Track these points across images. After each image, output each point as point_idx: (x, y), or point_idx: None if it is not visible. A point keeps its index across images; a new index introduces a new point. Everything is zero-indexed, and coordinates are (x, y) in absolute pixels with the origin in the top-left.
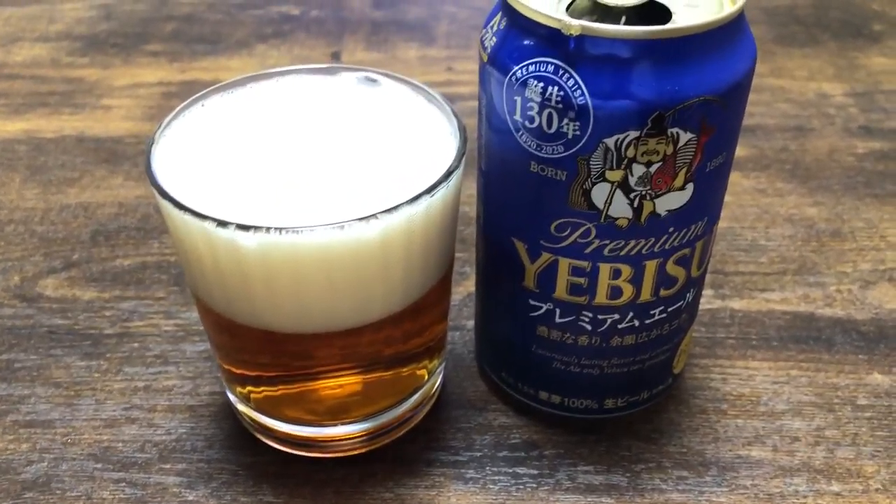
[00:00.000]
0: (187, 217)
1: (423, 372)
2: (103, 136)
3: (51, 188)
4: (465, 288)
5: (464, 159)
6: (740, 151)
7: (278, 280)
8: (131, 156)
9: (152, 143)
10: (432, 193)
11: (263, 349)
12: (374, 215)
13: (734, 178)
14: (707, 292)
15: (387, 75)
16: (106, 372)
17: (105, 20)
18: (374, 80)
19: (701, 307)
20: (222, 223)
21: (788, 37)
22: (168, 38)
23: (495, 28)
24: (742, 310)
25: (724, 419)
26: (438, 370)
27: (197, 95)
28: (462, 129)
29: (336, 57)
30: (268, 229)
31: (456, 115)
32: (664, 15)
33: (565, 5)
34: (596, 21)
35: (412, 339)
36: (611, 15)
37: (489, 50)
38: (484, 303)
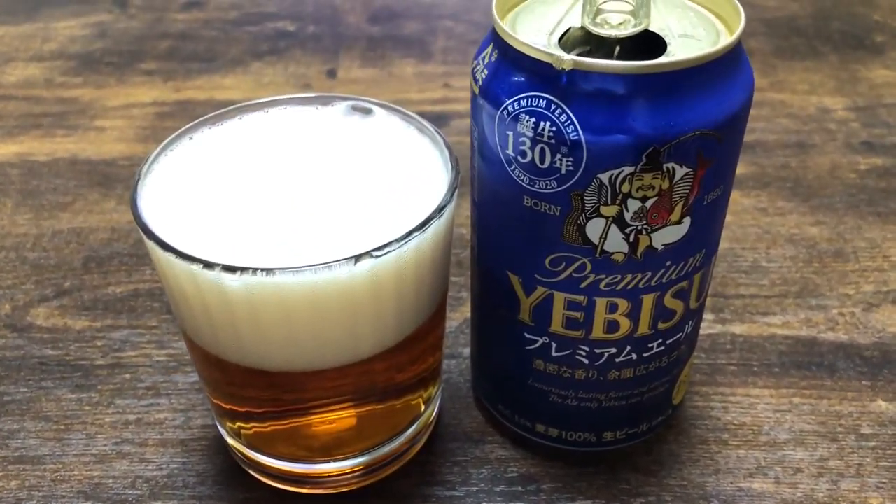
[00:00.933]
0: (173, 258)
1: (419, 402)
2: (96, 158)
3: (43, 213)
4: (461, 314)
5: (455, 193)
6: (740, 169)
7: (266, 320)
8: (124, 178)
9: (138, 180)
10: (423, 230)
11: (253, 385)
12: (363, 255)
13: (734, 196)
14: (707, 316)
15: (379, 104)
16: (97, 405)
17: (100, 38)
18: (366, 110)
19: (701, 332)
20: (209, 265)
21: (789, 49)
22: (163, 57)
23: (487, 60)
24: (743, 335)
25: (725, 450)
26: (435, 399)
27: (185, 128)
28: (455, 163)
29: (331, 74)
30: (254, 271)
31: (448, 148)
32: (659, 44)
33: (558, 37)
34: (590, 51)
35: (406, 370)
36: (605, 45)
37: (480, 82)
38: (479, 334)
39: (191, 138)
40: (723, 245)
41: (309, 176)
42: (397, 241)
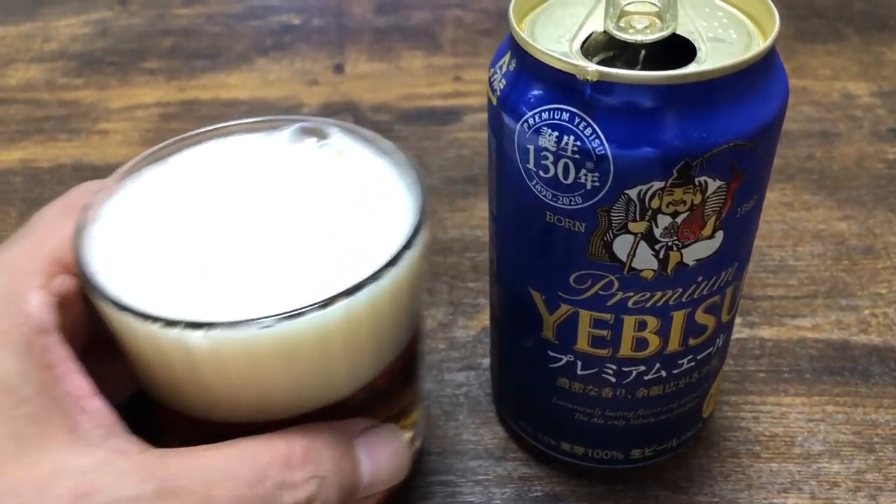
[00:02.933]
0: (129, 318)
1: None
2: (100, 163)
3: None
4: (479, 322)
5: (425, 216)
6: None
7: (236, 375)
8: None
9: (81, 229)
10: (396, 263)
11: (222, 436)
12: (337, 296)
13: None
14: (736, 321)
15: (334, 124)
16: None
17: (101, 37)
18: (320, 133)
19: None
20: (170, 322)
21: (810, 32)
22: (166, 55)
23: (504, 69)
24: (772, 339)
25: (757, 463)
26: (420, 424)
27: (127, 166)
28: (420, 180)
29: (339, 69)
30: (221, 326)
31: (414, 168)
32: (688, 48)
33: (580, 42)
34: (613, 57)
35: (385, 400)
36: (630, 50)
37: (498, 93)
38: (500, 349)
39: (135, 179)
40: None
41: (265, 210)
42: (371, 278)
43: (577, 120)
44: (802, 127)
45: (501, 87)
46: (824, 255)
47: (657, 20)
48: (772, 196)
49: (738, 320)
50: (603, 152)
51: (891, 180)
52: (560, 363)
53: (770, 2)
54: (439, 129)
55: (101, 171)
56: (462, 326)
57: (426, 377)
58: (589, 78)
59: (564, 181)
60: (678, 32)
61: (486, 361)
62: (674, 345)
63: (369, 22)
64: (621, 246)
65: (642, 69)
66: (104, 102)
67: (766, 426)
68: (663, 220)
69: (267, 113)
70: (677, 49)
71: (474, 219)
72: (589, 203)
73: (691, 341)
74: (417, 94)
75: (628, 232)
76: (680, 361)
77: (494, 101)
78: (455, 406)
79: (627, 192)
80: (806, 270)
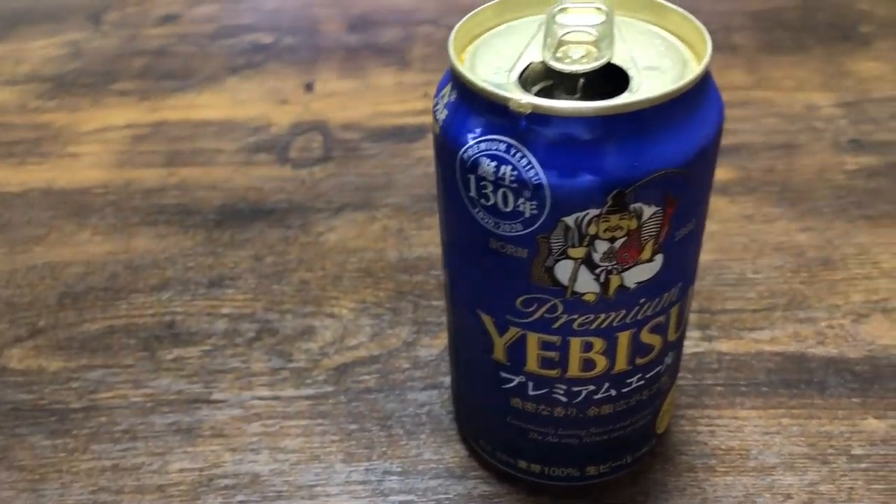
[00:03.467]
0: None
1: None
2: (70, 187)
3: (17, 247)
4: (442, 340)
5: None
6: (726, 174)
7: None
8: (99, 208)
9: None
10: None
11: None
12: None
13: (721, 204)
14: (693, 334)
15: None
16: (73, 451)
17: (74, 58)
18: None
19: (687, 351)
20: None
21: (774, 44)
22: (138, 76)
23: (446, 99)
24: (730, 352)
25: (712, 477)
26: None
27: None
28: None
29: (309, 88)
30: None
31: None
32: (623, 77)
33: (518, 73)
34: (553, 86)
35: None
36: (569, 78)
37: (440, 123)
38: (457, 369)
39: None
40: (708, 257)
41: None
42: None
43: (513, 150)
44: (765, 139)
45: (443, 117)
46: (783, 268)
47: (594, 49)
48: (733, 209)
49: (696, 334)
50: (539, 182)
51: (850, 191)
52: (512, 384)
53: (702, 27)
54: (408, 146)
55: (71, 195)
56: (426, 345)
57: (389, 397)
58: (522, 110)
59: (504, 209)
60: (614, 61)
61: (448, 380)
62: (621, 364)
63: (341, 40)
64: (562, 271)
65: (581, 97)
66: (75, 125)
67: (723, 440)
68: (601, 246)
69: (236, 134)
70: (616, 75)
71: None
72: (529, 230)
73: (638, 360)
74: (387, 112)
75: (568, 257)
76: (628, 380)
77: (437, 131)
78: (417, 425)
79: (565, 219)
80: (765, 283)
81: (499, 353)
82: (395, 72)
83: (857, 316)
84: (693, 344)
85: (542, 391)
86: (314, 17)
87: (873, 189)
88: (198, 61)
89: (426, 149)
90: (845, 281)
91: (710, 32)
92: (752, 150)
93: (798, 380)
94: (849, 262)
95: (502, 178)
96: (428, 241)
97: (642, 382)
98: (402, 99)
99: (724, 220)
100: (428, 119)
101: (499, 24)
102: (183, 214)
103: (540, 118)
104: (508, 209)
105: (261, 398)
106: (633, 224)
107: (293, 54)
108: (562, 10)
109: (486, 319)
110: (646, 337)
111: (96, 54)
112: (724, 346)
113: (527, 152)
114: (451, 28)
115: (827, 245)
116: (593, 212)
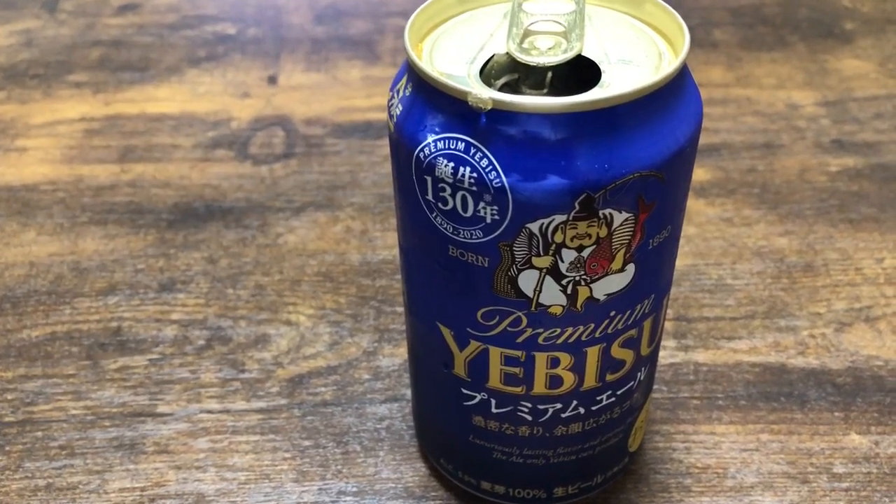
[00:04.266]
0: None
1: None
2: (17, 183)
3: None
4: (404, 350)
5: None
6: (705, 175)
7: None
8: (46, 206)
9: None
10: None
11: None
12: None
13: (698, 206)
14: (669, 343)
15: None
16: (3, 469)
17: (27, 48)
18: None
19: (663, 362)
20: None
21: (756, 39)
22: (93, 67)
23: (401, 93)
24: (707, 363)
25: (687, 497)
26: None
27: None
28: None
29: (272, 81)
30: None
31: None
32: (594, 71)
33: (480, 66)
34: (519, 79)
35: None
36: (536, 72)
37: (395, 119)
38: (416, 384)
39: None
40: (686, 261)
41: None
42: None
43: (472, 150)
44: (746, 138)
45: (398, 112)
46: (763, 273)
47: (563, 40)
48: (712, 211)
49: (672, 343)
50: (500, 185)
51: (832, 194)
52: (474, 401)
53: (679, 18)
54: (374, 143)
55: (17, 192)
56: (388, 354)
57: (346, 410)
58: (482, 106)
59: (464, 214)
60: (584, 54)
61: (409, 393)
62: (590, 381)
63: (307, 32)
64: (526, 281)
65: (549, 91)
66: (25, 118)
67: (699, 457)
68: (568, 255)
69: (194, 128)
70: (587, 69)
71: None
72: (490, 237)
73: (609, 377)
74: (353, 107)
75: (533, 267)
76: (598, 398)
77: (392, 128)
78: (376, 441)
79: (529, 225)
80: (744, 290)
81: (459, 369)
82: (363, 65)
83: (840, 325)
84: (669, 354)
85: (506, 409)
86: (280, 8)
87: (855, 192)
88: (157, 52)
89: None
90: (827, 288)
91: (690, 28)
92: (732, 149)
93: (778, 392)
94: (831, 268)
95: (461, 181)
96: (393, 243)
97: (613, 400)
98: (369, 93)
99: (701, 222)
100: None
101: (462, 12)
102: (134, 214)
103: (502, 115)
104: (468, 214)
105: (209, 411)
106: (604, 231)
107: (257, 46)
108: None
109: (446, 332)
110: (617, 352)
111: (50, 44)
112: (701, 356)
113: (487, 152)
114: None
115: (808, 250)
116: (560, 218)
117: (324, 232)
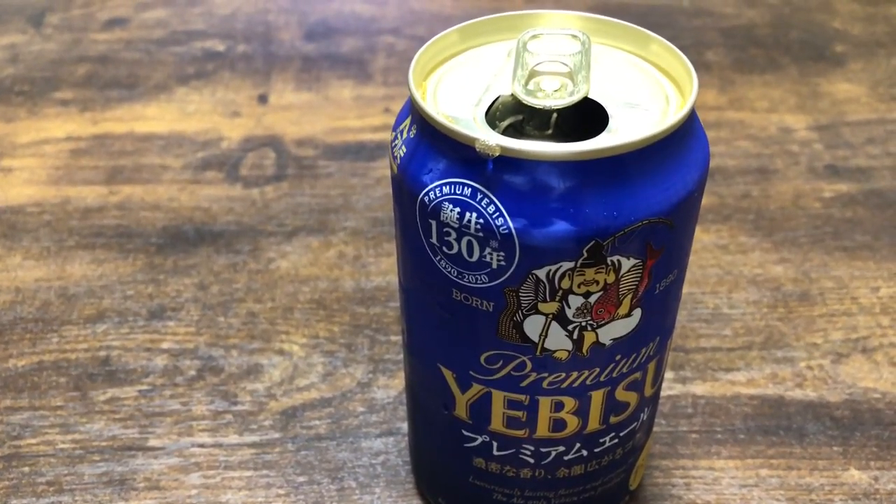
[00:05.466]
0: None
1: None
2: (2, 205)
3: None
4: (401, 381)
5: None
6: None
7: None
8: (32, 229)
9: None
10: None
11: None
12: None
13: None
14: (667, 375)
15: None
16: None
17: (11, 63)
18: None
19: (661, 394)
20: None
21: (748, 62)
22: (80, 84)
23: (405, 135)
24: (705, 395)
25: None
26: None
27: None
28: None
29: (263, 100)
30: None
31: None
32: (600, 111)
33: (486, 106)
34: (524, 120)
35: None
36: (541, 113)
37: (399, 161)
38: (415, 422)
39: None
40: (682, 290)
41: None
42: None
43: (479, 195)
44: (739, 163)
45: (402, 154)
46: (760, 303)
47: (569, 81)
48: (707, 238)
49: (670, 375)
50: (507, 231)
51: (826, 220)
52: (475, 443)
53: (687, 61)
54: (367, 164)
55: (3, 214)
56: (383, 386)
57: (341, 445)
58: (489, 153)
59: (469, 259)
60: (590, 96)
61: (405, 426)
62: (594, 424)
63: (297, 49)
64: (532, 327)
65: (554, 133)
66: (10, 137)
67: (699, 493)
68: (575, 301)
69: (184, 149)
70: (592, 109)
71: (390, 265)
72: (496, 282)
73: (613, 419)
74: (345, 128)
75: (539, 312)
76: (601, 440)
77: (395, 170)
78: (372, 477)
79: (535, 272)
80: (741, 319)
81: (461, 411)
82: (354, 84)
83: (837, 356)
84: (667, 386)
85: (508, 451)
86: (270, 24)
87: (850, 218)
88: (145, 69)
89: (387, 167)
90: (824, 317)
91: (682, 49)
92: (726, 174)
93: (776, 426)
94: (827, 297)
95: (467, 226)
96: (387, 269)
97: (616, 441)
98: (361, 114)
99: (697, 249)
100: (389, 135)
101: (464, 50)
102: (123, 237)
103: (509, 161)
104: (473, 259)
105: (201, 445)
106: (611, 278)
107: (247, 63)
108: (534, 36)
109: (447, 374)
110: (621, 395)
111: (36, 59)
112: (699, 388)
113: (494, 198)
114: (413, 39)
115: (804, 278)
116: (567, 265)
117: (316, 257)
